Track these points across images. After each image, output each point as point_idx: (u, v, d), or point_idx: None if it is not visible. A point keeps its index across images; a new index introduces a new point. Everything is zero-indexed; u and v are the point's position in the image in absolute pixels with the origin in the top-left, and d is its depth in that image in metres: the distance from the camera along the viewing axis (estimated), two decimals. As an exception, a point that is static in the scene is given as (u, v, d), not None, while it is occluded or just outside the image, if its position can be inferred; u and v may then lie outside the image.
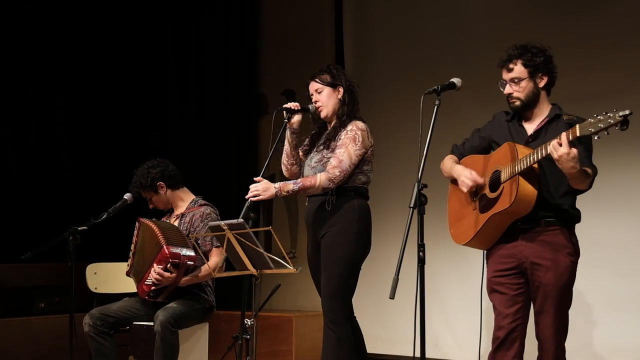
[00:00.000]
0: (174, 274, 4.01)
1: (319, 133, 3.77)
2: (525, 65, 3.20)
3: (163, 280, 4.01)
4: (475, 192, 3.31)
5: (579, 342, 4.54)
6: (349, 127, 3.61)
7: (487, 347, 3.33)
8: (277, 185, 3.50)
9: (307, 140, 3.82)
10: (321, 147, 3.66)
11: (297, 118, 3.72)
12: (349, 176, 3.57)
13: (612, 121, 2.72)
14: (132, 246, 4.27)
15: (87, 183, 6.36)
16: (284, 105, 3.70)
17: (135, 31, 6.67)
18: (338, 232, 3.56)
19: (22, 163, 6.20)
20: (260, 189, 3.48)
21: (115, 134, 6.56)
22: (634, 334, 4.52)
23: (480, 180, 3.22)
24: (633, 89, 4.55)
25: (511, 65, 3.22)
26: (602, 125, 2.75)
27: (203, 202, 4.40)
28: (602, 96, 4.53)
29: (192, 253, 4.06)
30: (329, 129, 3.71)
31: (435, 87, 3.11)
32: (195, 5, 6.80)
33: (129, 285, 4.44)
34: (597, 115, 2.77)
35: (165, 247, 4.00)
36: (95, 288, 4.84)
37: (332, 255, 3.57)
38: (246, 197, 3.48)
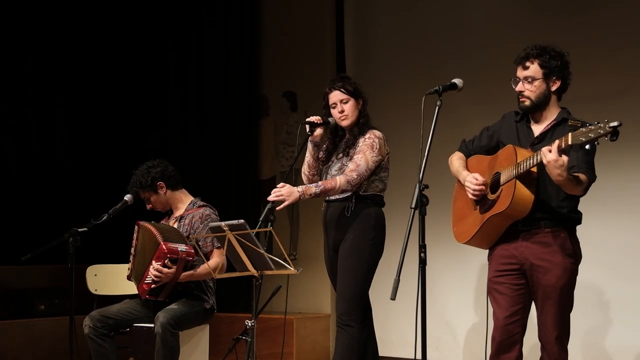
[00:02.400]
0: (172, 269, 4.01)
1: (334, 143, 3.93)
2: (541, 66, 3.20)
3: (162, 276, 4.01)
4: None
5: (582, 344, 4.54)
6: (367, 135, 3.78)
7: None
8: (300, 189, 3.61)
9: (321, 152, 3.97)
10: (341, 155, 3.83)
11: (319, 131, 3.86)
12: (368, 183, 3.75)
13: (602, 132, 2.74)
14: (132, 249, 4.27)
15: (87, 184, 6.35)
16: (307, 119, 3.84)
17: (136, 32, 6.67)
18: (355, 238, 3.73)
19: (22, 164, 6.19)
20: (285, 193, 3.57)
21: (115, 135, 6.55)
22: (637, 335, 4.51)
23: (481, 187, 3.24)
24: (634, 90, 4.54)
25: (527, 64, 3.22)
26: (592, 135, 2.77)
27: (202, 203, 4.39)
28: (603, 98, 4.53)
29: (190, 249, 4.07)
30: (347, 137, 3.86)
31: (437, 88, 3.12)
32: (195, 5, 6.79)
33: (129, 287, 4.44)
34: (589, 125, 2.79)
35: (162, 243, 4.00)
36: (96, 290, 4.84)
37: (349, 261, 3.73)
38: (268, 198, 3.57)
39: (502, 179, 3.15)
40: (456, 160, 3.49)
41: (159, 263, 4.00)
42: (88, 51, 6.48)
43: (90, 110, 6.52)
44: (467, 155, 3.49)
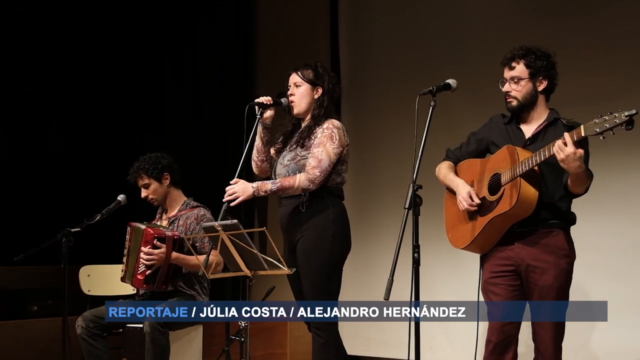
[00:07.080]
0: (162, 248, 4.03)
1: (292, 131, 3.65)
2: (527, 66, 3.21)
3: (154, 257, 4.02)
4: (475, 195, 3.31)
5: (576, 345, 4.53)
6: (325, 125, 3.51)
7: (483, 350, 3.31)
8: (254, 185, 3.41)
9: (280, 138, 3.68)
10: (294, 146, 3.55)
11: (269, 113, 3.58)
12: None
13: (618, 121, 2.75)
14: (125, 251, 4.26)
15: (80, 184, 6.33)
16: (256, 100, 3.55)
17: (131, 34, 6.64)
18: (313, 236, 3.46)
19: (15, 164, 6.16)
20: (238, 190, 3.38)
21: (109, 136, 6.53)
22: (630, 336, 4.52)
23: (474, 202, 3.23)
24: (634, 90, 4.54)
25: (513, 64, 3.23)
26: (607, 125, 2.77)
27: (195, 203, 4.39)
28: (602, 98, 4.52)
29: (176, 232, 4.12)
30: (303, 127, 3.60)
31: (431, 88, 3.10)
32: (191, 6, 6.78)
33: (123, 288, 4.43)
34: (602, 116, 2.79)
35: (146, 227, 4.05)
36: (89, 290, 4.83)
37: (310, 261, 3.46)
38: (223, 200, 3.38)
39: (504, 179, 3.14)
40: (443, 167, 3.46)
41: (149, 247, 4.02)
42: (84, 53, 6.46)
43: (84, 111, 6.49)
44: (456, 161, 3.47)
